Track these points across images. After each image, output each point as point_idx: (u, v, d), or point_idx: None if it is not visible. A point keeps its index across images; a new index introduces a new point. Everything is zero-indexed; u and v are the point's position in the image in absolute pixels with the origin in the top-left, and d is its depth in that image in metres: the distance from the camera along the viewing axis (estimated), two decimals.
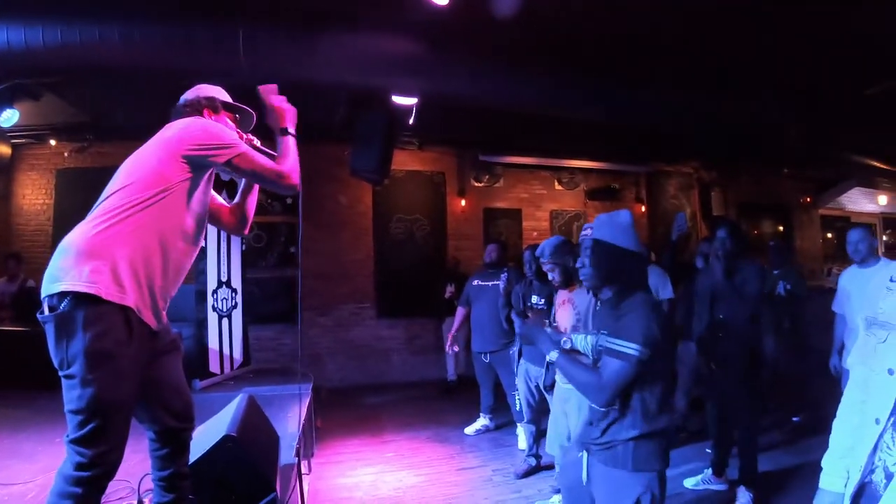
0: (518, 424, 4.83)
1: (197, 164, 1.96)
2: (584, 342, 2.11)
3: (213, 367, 4.65)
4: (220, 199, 2.40)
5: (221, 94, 2.28)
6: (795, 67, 5.36)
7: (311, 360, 7.19)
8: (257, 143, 2.27)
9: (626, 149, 8.21)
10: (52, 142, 6.81)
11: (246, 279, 5.26)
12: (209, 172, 2.09)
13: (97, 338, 1.68)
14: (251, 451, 2.27)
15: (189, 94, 2.24)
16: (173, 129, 2.00)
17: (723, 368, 3.66)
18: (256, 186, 2.40)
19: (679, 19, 4.47)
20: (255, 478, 2.24)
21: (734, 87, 5.70)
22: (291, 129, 2.23)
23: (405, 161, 7.90)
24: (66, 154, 6.86)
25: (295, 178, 2.13)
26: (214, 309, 4.74)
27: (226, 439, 2.20)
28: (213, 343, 4.67)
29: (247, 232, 2.52)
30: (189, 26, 4.16)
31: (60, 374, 1.71)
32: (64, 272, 1.72)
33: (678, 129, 6.55)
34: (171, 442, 2.02)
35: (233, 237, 4.99)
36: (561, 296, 3.48)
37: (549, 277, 3.55)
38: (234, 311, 5.01)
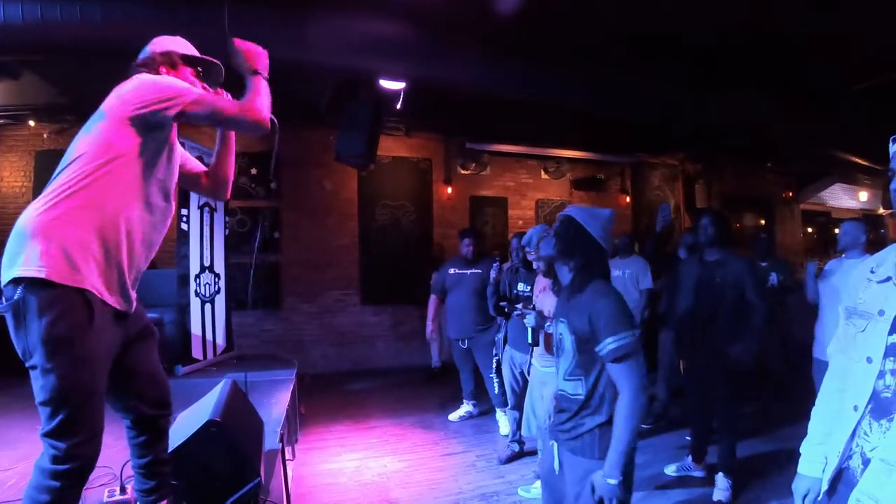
0: (497, 409, 4.87)
1: (148, 125, 1.80)
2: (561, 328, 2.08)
3: (196, 352, 4.61)
4: (194, 161, 2.25)
5: (180, 46, 2.08)
6: (780, 62, 5.39)
7: (295, 347, 7.18)
8: (228, 97, 2.05)
9: (612, 139, 8.24)
10: (32, 123, 6.66)
11: (229, 264, 5.22)
12: (169, 132, 1.92)
13: (53, 324, 1.59)
14: (235, 436, 2.25)
15: (146, 50, 2.05)
16: (116, 93, 1.83)
17: (702, 358, 3.70)
18: (232, 145, 2.25)
19: (665, 10, 4.46)
20: (239, 463, 2.23)
21: (719, 81, 5.73)
22: (263, 72, 2.03)
23: (391, 147, 7.86)
24: (45, 135, 6.70)
25: (264, 113, 1.95)
26: (197, 294, 4.70)
27: (209, 424, 2.17)
28: (195, 328, 4.63)
29: (228, 196, 2.36)
30: (173, 4, 4.09)
31: (26, 365, 1.64)
32: (15, 257, 1.63)
33: (662, 120, 6.57)
34: (149, 429, 1.97)
35: (216, 221, 4.94)
36: (541, 282, 3.50)
37: (535, 266, 3.56)
38: (217, 296, 4.97)
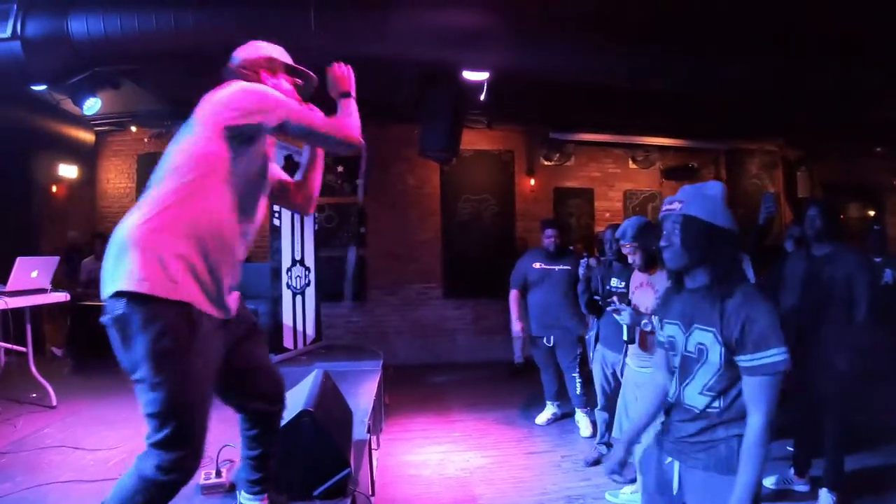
0: (577, 410, 4.72)
1: (245, 134, 1.77)
2: (675, 331, 1.86)
3: (287, 342, 4.79)
4: (283, 174, 2.22)
5: (282, 55, 2.07)
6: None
7: (379, 338, 7.33)
8: (320, 113, 2.02)
9: (704, 125, 7.79)
10: (133, 128, 7.20)
11: (318, 258, 5.38)
12: (263, 144, 1.89)
13: (157, 339, 1.58)
14: (327, 426, 2.29)
15: (246, 52, 2.02)
16: (213, 101, 1.80)
17: (810, 362, 3.41)
18: (320, 162, 2.22)
19: None
20: (331, 453, 2.27)
21: (823, 54, 5.25)
22: (352, 93, 2.06)
23: (473, 140, 7.80)
24: (145, 140, 7.25)
25: (354, 132, 1.95)
26: (288, 286, 4.87)
27: (302, 414, 2.22)
28: (287, 319, 4.81)
29: (311, 211, 2.36)
30: (262, 8, 4.23)
31: (132, 378, 1.64)
32: (115, 271, 1.62)
33: (762, 100, 6.13)
34: (261, 424, 2.00)
35: (306, 217, 5.09)
36: (638, 278, 3.33)
37: (630, 260, 3.39)
38: (308, 288, 5.13)
